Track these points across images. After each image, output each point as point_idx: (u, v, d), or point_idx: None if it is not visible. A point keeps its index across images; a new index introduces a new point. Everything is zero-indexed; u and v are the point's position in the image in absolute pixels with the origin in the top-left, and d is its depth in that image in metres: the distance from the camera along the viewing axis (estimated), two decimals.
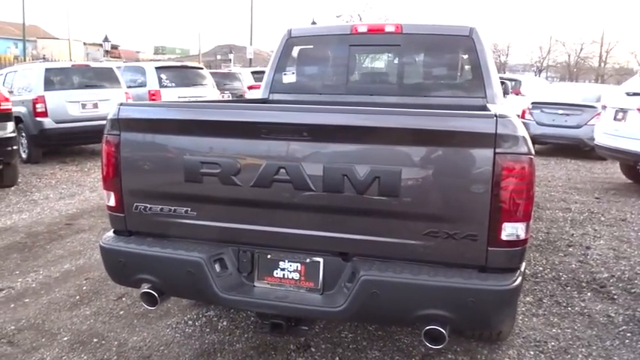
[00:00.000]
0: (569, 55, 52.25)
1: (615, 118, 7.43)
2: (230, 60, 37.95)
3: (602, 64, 49.27)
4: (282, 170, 2.29)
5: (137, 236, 2.63)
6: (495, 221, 2.12)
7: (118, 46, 49.53)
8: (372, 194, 2.20)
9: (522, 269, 2.25)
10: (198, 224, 2.49)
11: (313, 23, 26.58)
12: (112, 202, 2.62)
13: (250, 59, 33.07)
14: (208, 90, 12.29)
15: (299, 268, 2.42)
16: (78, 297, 3.81)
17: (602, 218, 6.13)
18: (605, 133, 7.74)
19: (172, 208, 2.51)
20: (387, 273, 2.21)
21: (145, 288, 2.51)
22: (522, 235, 2.16)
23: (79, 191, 7.41)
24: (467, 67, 3.96)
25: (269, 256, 2.46)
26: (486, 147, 2.07)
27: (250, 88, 16.26)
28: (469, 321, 2.26)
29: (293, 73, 4.25)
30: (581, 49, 50.65)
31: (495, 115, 2.07)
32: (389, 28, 4.01)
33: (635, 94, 7.11)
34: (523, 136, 2.09)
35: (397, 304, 2.23)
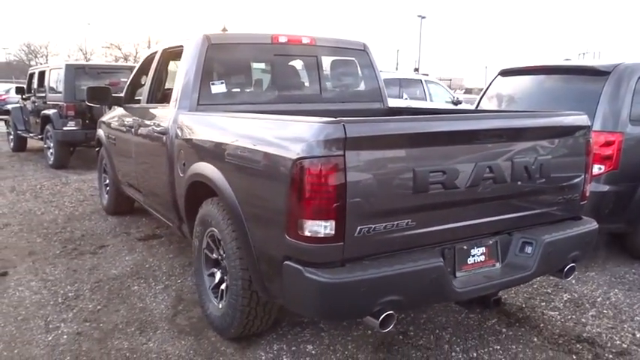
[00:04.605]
0: None
1: None
2: None
3: None
4: (488, 169, 2.69)
5: (353, 263, 2.41)
6: (585, 181, 3.17)
7: None
8: (538, 178, 2.89)
9: None
10: (418, 233, 2.55)
11: None
12: (327, 232, 2.32)
13: None
14: None
15: (485, 251, 2.84)
16: None
17: None
18: None
19: (395, 222, 2.47)
20: (553, 234, 2.95)
21: (386, 312, 2.41)
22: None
23: None
24: (367, 75, 4.67)
25: (465, 247, 2.77)
26: (584, 134, 3.10)
27: None
28: (585, 253, 3.23)
29: (222, 82, 3.94)
30: None
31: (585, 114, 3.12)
32: (305, 40, 4.29)
33: None
34: None
35: (559, 255, 3.00)
